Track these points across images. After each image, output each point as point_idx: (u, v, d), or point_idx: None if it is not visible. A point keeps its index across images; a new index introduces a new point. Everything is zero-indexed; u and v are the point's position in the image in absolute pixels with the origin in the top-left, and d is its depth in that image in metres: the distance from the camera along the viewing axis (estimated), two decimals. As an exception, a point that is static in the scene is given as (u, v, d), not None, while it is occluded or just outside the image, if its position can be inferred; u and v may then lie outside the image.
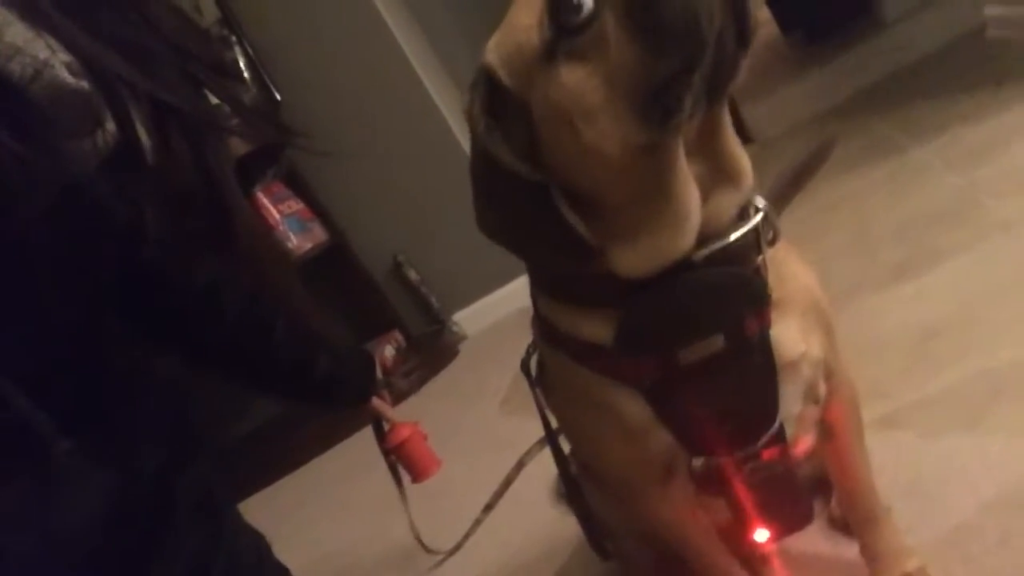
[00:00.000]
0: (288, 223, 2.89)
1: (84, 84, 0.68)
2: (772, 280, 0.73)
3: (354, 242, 3.16)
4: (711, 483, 0.76)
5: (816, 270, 0.75)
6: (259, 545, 1.02)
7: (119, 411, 0.82)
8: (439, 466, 1.52)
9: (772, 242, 0.74)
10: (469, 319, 3.23)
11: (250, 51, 2.90)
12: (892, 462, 1.04)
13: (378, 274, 3.20)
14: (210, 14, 2.86)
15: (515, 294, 2.85)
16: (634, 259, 0.68)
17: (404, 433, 1.46)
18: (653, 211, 0.66)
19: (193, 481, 0.88)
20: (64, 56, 0.66)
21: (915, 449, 1.06)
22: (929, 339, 1.28)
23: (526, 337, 0.89)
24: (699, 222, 0.67)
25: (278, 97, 2.91)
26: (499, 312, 3.08)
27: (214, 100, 0.86)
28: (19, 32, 0.65)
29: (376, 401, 1.41)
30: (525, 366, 0.91)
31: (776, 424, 0.74)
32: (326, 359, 1.23)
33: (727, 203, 0.69)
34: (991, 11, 2.77)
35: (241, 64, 2.88)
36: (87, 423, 0.76)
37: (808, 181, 0.78)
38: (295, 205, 2.99)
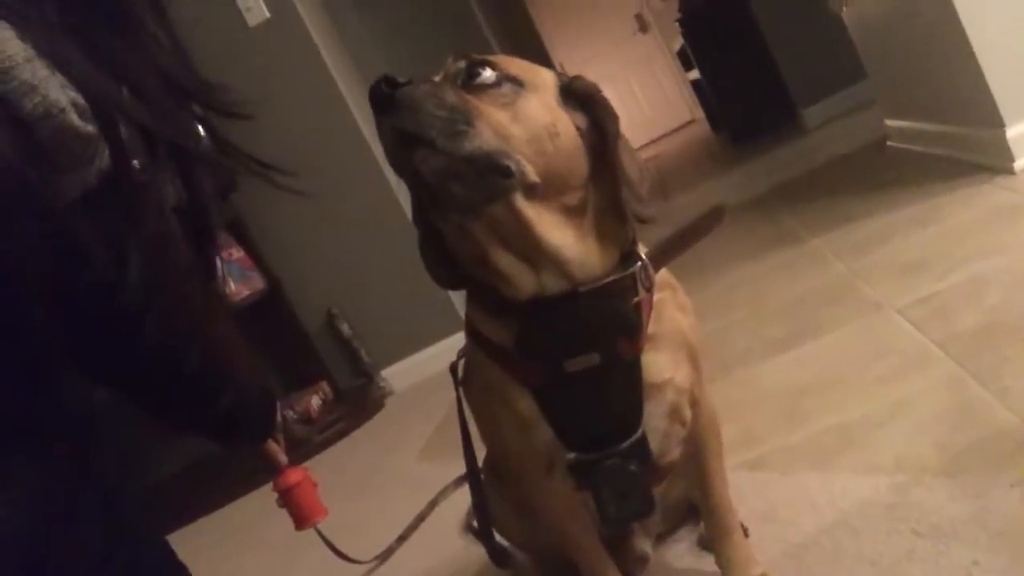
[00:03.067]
0: (228, 269, 2.98)
1: (90, 128, 0.74)
2: (653, 319, 0.90)
3: (290, 293, 3.25)
4: (581, 475, 0.90)
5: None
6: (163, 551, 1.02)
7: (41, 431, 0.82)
8: (324, 516, 1.43)
9: (649, 288, 0.90)
10: (397, 375, 3.32)
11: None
12: (754, 495, 1.20)
13: (311, 326, 3.29)
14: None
15: (442, 354, 2.96)
16: (504, 291, 0.85)
17: (292, 479, 1.40)
18: (490, 269, 0.84)
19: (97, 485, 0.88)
20: (73, 94, 0.72)
21: (775, 484, 1.22)
22: (800, 397, 1.46)
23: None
24: (533, 284, 0.84)
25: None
26: (425, 371, 3.17)
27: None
28: (36, 70, 0.71)
29: (270, 444, 1.38)
30: (454, 368, 1.05)
31: (639, 433, 0.89)
32: (229, 397, 1.20)
33: (554, 280, 0.84)
34: (891, 123, 3.07)
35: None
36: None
37: (694, 243, 0.93)
38: (236, 253, 3.08)
